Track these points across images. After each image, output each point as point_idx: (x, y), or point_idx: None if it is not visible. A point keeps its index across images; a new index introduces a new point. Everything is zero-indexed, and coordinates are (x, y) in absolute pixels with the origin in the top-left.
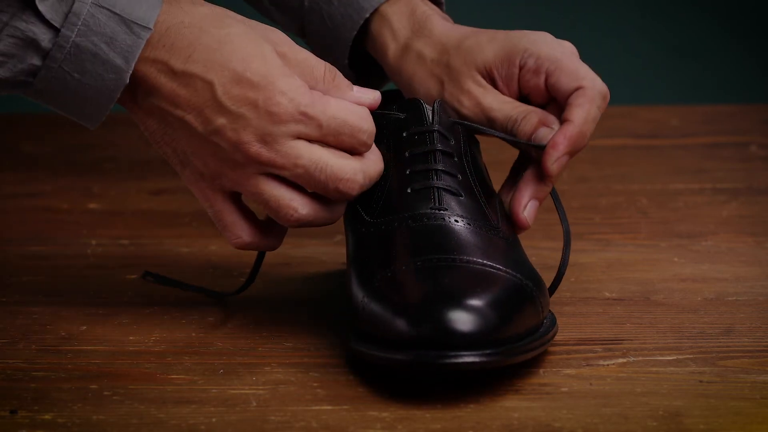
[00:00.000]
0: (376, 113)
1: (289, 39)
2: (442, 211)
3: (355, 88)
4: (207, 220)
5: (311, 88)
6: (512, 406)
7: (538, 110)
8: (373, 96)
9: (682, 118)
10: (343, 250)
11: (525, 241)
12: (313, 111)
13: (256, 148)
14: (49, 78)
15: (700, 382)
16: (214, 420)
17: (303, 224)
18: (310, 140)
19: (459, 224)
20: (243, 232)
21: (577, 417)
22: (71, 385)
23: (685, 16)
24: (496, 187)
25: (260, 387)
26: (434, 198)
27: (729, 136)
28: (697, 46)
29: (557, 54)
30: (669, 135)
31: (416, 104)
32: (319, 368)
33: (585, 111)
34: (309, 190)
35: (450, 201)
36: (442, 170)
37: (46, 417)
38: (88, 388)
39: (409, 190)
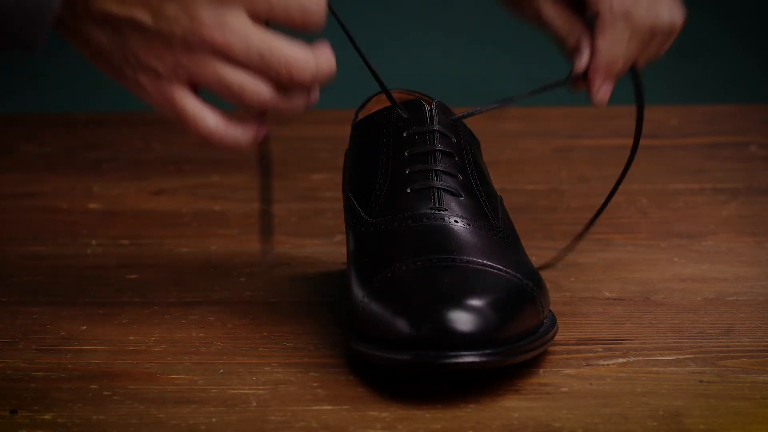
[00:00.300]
0: (381, 111)
1: None
2: (441, 212)
3: None
4: (207, 220)
5: None
6: (512, 406)
7: (578, 31)
8: None
9: (682, 118)
10: (343, 250)
11: (525, 241)
12: None
13: (210, 31)
14: None
15: (700, 382)
16: (214, 420)
17: (268, 109)
18: (260, 20)
19: (459, 224)
20: (209, 116)
21: (577, 417)
22: (71, 385)
23: (685, 16)
24: (497, 185)
25: (260, 387)
26: (434, 198)
27: (729, 136)
28: (697, 46)
29: None
30: (669, 135)
31: (417, 104)
32: (319, 368)
33: (607, 38)
34: (263, 76)
35: (450, 201)
36: (442, 171)
37: (46, 417)
38: (88, 388)
39: (408, 190)
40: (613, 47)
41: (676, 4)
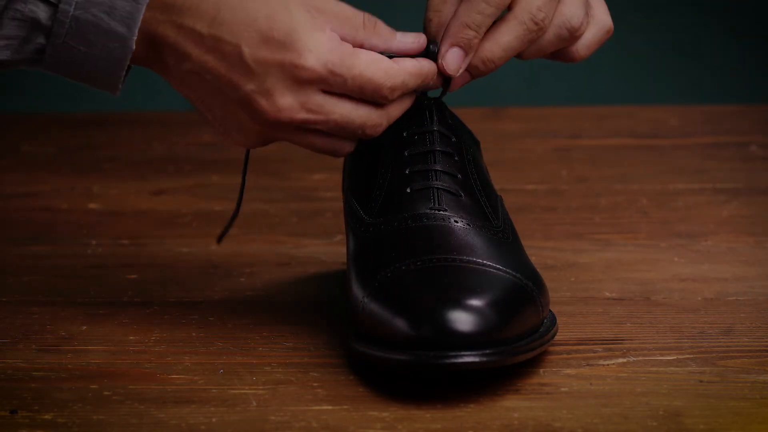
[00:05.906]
0: None
1: None
2: (441, 212)
3: (399, 33)
4: (207, 220)
5: (352, 37)
6: (512, 406)
7: (449, 10)
8: (416, 39)
9: (682, 118)
10: (343, 250)
11: (525, 241)
12: (339, 69)
13: (288, 112)
14: (57, 54)
15: (700, 382)
16: (214, 420)
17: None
18: (335, 93)
19: (459, 224)
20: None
21: (577, 417)
22: (71, 385)
23: (685, 16)
24: (497, 185)
25: (260, 387)
26: (434, 198)
27: (729, 136)
28: (697, 46)
29: None
30: (669, 135)
31: (417, 104)
32: (319, 368)
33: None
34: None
35: (450, 201)
36: (441, 171)
37: (46, 417)
38: (88, 388)
39: (408, 190)
40: (470, 13)
41: (597, 7)
